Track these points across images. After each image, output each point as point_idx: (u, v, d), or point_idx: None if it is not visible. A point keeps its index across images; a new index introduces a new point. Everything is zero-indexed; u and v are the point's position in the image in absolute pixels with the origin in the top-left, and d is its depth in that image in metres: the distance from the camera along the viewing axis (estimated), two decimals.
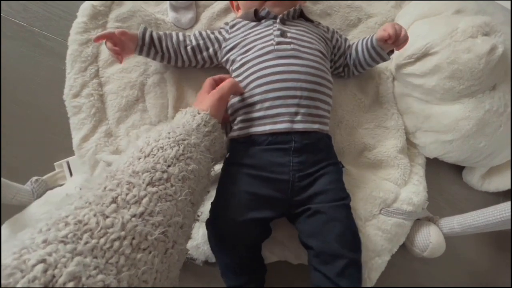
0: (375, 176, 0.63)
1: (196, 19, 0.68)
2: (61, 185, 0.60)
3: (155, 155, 0.38)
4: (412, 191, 0.62)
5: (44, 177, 0.60)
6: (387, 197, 0.60)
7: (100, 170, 0.56)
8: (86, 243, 0.27)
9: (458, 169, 0.78)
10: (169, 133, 0.41)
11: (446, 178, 0.78)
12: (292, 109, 0.51)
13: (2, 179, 0.50)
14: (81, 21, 0.62)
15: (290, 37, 0.55)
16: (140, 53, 0.57)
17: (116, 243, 0.28)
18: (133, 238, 0.29)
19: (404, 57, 0.63)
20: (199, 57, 0.60)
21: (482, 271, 0.77)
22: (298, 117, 0.51)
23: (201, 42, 0.59)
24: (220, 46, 0.60)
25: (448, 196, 0.77)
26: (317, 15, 0.72)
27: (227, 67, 0.60)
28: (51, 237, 0.26)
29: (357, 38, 0.71)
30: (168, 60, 0.60)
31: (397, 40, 0.54)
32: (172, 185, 0.36)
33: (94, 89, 0.60)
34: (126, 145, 0.59)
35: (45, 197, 0.56)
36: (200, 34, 0.60)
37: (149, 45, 0.56)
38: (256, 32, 0.57)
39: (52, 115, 0.65)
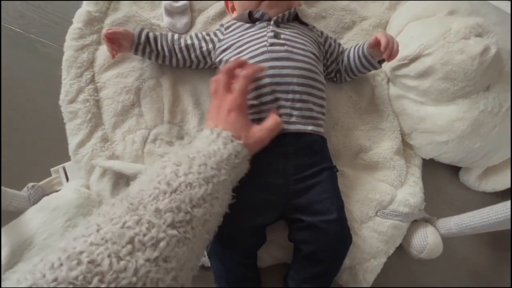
0: (371, 178, 0.63)
1: (191, 24, 0.69)
2: (57, 191, 0.60)
3: (182, 192, 0.36)
4: (409, 192, 0.62)
5: (41, 183, 0.59)
6: (383, 199, 0.60)
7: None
8: None
9: (455, 169, 0.78)
10: (200, 166, 0.38)
11: (443, 178, 0.78)
12: (285, 111, 0.51)
13: None
14: (77, 27, 0.62)
15: (284, 39, 0.55)
16: (136, 52, 0.58)
17: None
18: (144, 284, 0.29)
19: (398, 59, 0.63)
20: (193, 55, 0.60)
21: (482, 271, 0.77)
22: (292, 119, 0.52)
23: (195, 41, 0.60)
24: (214, 46, 0.60)
25: (445, 197, 0.77)
26: (312, 18, 0.72)
27: (221, 67, 0.60)
28: (61, 277, 0.26)
29: (352, 41, 0.72)
30: (162, 59, 0.61)
31: (387, 48, 0.52)
32: (192, 228, 0.35)
33: (90, 95, 0.61)
34: (122, 150, 0.59)
35: (41, 203, 0.56)
36: (196, 35, 0.61)
37: (144, 43, 0.58)
38: (250, 34, 0.57)
39: (48, 121, 0.65)
